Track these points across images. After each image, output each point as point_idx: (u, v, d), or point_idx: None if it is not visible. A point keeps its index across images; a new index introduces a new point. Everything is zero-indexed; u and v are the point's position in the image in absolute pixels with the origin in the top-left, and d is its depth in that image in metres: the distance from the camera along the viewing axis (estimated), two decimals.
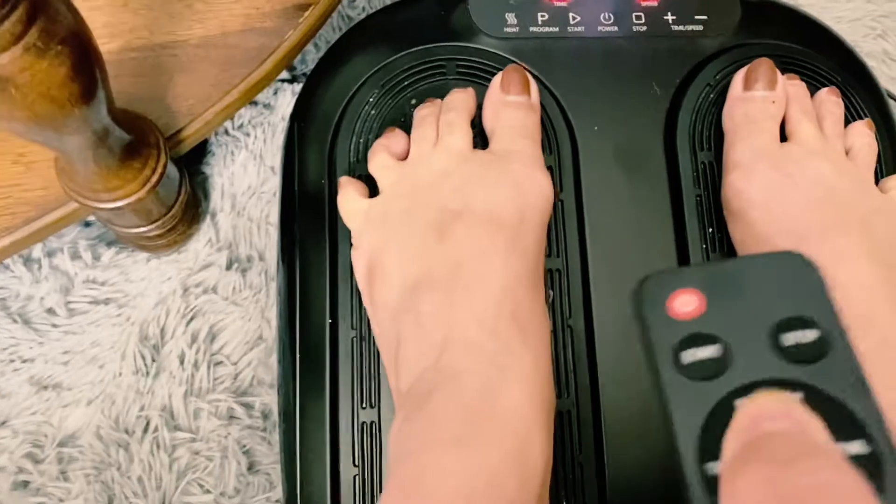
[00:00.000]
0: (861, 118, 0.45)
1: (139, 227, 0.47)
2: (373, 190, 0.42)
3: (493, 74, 0.44)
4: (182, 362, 0.49)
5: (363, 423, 0.40)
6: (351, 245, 0.42)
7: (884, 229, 0.39)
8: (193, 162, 0.53)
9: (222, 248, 0.51)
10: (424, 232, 0.37)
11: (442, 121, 0.41)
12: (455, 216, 0.37)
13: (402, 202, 0.39)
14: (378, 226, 0.39)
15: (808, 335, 0.22)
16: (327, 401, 0.41)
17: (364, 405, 0.40)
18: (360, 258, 0.40)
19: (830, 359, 0.22)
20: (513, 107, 0.41)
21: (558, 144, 0.44)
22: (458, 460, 0.30)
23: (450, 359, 0.33)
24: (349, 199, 0.41)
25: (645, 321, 0.23)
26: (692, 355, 0.22)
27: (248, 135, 0.53)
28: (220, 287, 0.51)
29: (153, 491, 0.47)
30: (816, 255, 0.36)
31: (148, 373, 0.49)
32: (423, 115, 0.42)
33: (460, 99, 0.42)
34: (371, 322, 0.40)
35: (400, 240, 0.38)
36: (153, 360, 0.49)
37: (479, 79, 0.45)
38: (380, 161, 0.41)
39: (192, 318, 0.50)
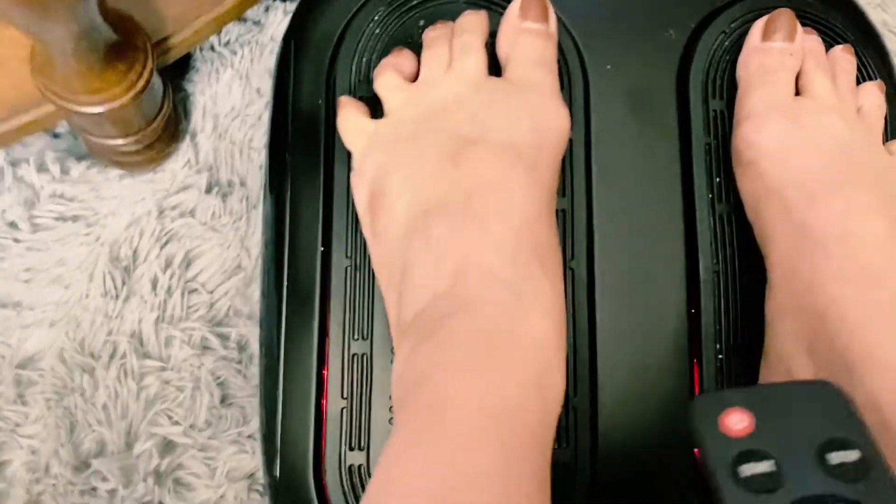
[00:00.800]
0: (870, 80, 0.45)
1: (116, 138, 0.43)
2: (375, 113, 0.40)
3: (505, 1, 0.42)
4: (154, 287, 0.47)
5: (354, 354, 0.39)
6: (349, 169, 0.40)
7: (893, 188, 0.39)
8: (175, 77, 0.49)
9: (202, 170, 0.49)
10: (437, 157, 0.36)
11: (456, 43, 0.39)
12: (471, 143, 0.36)
13: (412, 125, 0.37)
14: (385, 148, 0.37)
15: (851, 455, 0.25)
16: (315, 332, 0.39)
17: (356, 336, 0.39)
18: (363, 182, 0.38)
19: (873, 477, 0.25)
20: (531, 34, 0.39)
21: (570, 81, 0.42)
22: (478, 387, 0.28)
23: (466, 286, 0.32)
24: (351, 119, 0.39)
25: (700, 435, 0.25)
26: (750, 469, 0.24)
27: (234, 53, 0.50)
28: (198, 211, 0.48)
29: (118, 420, 0.45)
30: (827, 208, 0.36)
31: (118, 296, 0.46)
32: (435, 35, 0.40)
33: (475, 21, 0.40)
34: (371, 249, 0.38)
35: (410, 164, 0.36)
36: (123, 283, 0.46)
37: (492, 3, 0.43)
38: (388, 80, 0.39)
39: (167, 242, 0.47)
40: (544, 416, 0.30)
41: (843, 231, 0.35)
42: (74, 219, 0.47)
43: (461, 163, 0.35)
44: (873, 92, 0.42)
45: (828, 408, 0.26)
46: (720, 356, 0.40)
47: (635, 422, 0.40)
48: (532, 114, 0.37)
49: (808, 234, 0.35)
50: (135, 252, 0.47)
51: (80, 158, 0.48)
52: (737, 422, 0.25)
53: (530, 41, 0.40)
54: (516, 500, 0.27)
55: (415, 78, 0.40)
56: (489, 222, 0.34)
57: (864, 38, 0.46)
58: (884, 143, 0.42)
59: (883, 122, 0.42)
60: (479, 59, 0.39)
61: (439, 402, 0.28)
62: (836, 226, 0.35)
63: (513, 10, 0.40)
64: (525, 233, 0.34)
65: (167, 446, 0.45)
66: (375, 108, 0.40)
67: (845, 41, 0.45)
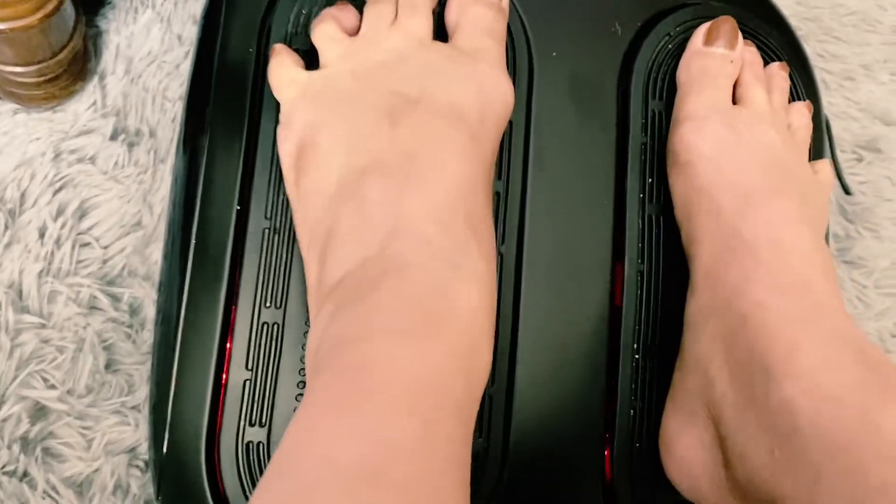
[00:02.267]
0: (799, 100, 0.46)
1: (15, 65, 0.39)
2: (311, 68, 0.37)
3: None
4: (42, 236, 0.42)
5: (264, 323, 0.36)
6: (276, 125, 0.37)
7: (816, 204, 0.39)
8: (89, 11, 0.45)
9: (108, 114, 0.44)
10: (375, 115, 0.34)
11: (402, 2, 0.37)
12: (411, 102, 0.34)
13: (349, 79, 0.35)
14: (317, 102, 0.35)
15: None
16: (221, 299, 0.36)
17: (268, 304, 0.36)
18: (290, 136, 0.35)
19: None
20: (482, 5, 0.38)
21: (515, 63, 0.41)
22: (408, 353, 0.27)
23: (399, 249, 0.30)
24: (284, 67, 0.36)
25: None
26: None
27: None
28: (99, 158, 0.44)
29: None
30: (760, 215, 0.36)
31: None
32: None
33: None
34: (294, 208, 0.35)
35: (344, 120, 0.34)
36: (6, 228, 0.42)
37: None
38: (326, 31, 0.37)
39: (60, 188, 0.43)
40: (470, 390, 0.28)
41: (772, 238, 0.35)
42: None
43: (400, 122, 0.34)
44: (803, 112, 0.43)
45: None
46: (637, 356, 0.39)
47: (549, 414, 0.39)
48: (478, 81, 0.36)
49: (738, 238, 0.35)
50: (23, 195, 0.43)
51: None
52: None
53: (481, 11, 0.38)
54: (437, 475, 0.25)
55: (355, 33, 0.38)
56: (426, 186, 0.32)
57: (796, 61, 0.48)
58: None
59: (809, 141, 0.43)
60: (426, 20, 0.37)
61: (364, 366, 0.26)
62: (766, 233, 0.35)
63: None
64: (461, 202, 0.33)
65: (39, 411, 0.40)
66: (311, 63, 0.38)
67: (779, 60, 0.46)
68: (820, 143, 0.47)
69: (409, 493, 0.23)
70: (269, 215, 0.37)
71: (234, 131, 0.38)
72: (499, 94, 0.37)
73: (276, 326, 0.36)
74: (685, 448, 0.36)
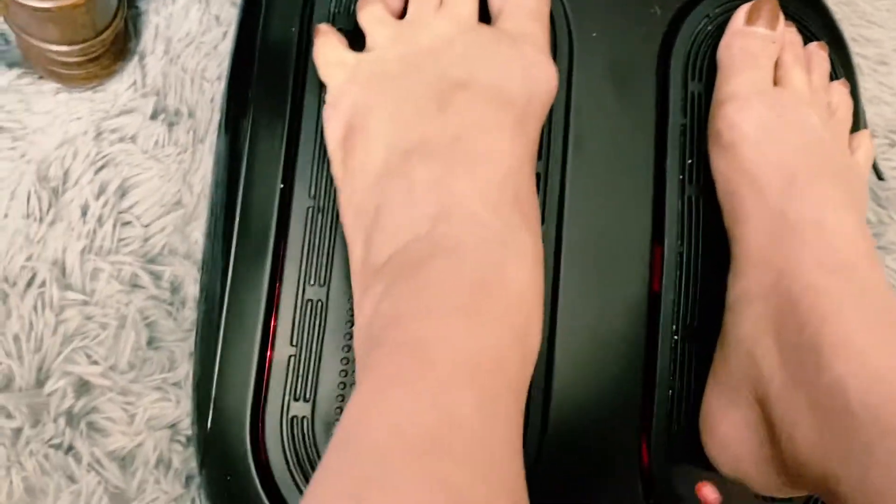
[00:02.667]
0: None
1: (59, 44, 0.40)
2: (355, 48, 0.38)
3: None
4: (85, 214, 0.43)
5: (309, 300, 0.36)
6: (320, 104, 0.37)
7: (856, 186, 0.39)
8: None
9: (148, 94, 0.45)
10: (423, 98, 0.34)
11: None
12: (459, 86, 0.34)
13: (398, 63, 0.35)
14: (366, 84, 0.35)
15: None
16: (266, 278, 0.37)
17: (312, 282, 0.36)
18: (338, 116, 0.35)
19: None
20: None
21: (556, 44, 0.41)
22: (464, 331, 0.27)
23: (448, 229, 0.30)
24: (331, 49, 0.37)
25: None
26: None
27: None
28: (140, 137, 0.44)
29: (30, 353, 0.41)
30: (804, 198, 0.36)
31: (42, 219, 0.42)
32: None
33: None
34: (339, 188, 0.36)
35: (392, 102, 0.34)
36: (50, 206, 0.42)
37: None
38: (373, 13, 0.37)
39: (102, 167, 0.44)
40: (522, 368, 0.29)
41: (817, 220, 0.35)
42: None
43: (448, 105, 0.34)
44: (842, 91, 0.43)
45: None
46: (675, 337, 0.40)
47: (587, 396, 0.39)
48: (523, 64, 0.36)
49: (783, 219, 0.35)
50: (66, 174, 0.43)
51: (11, 65, 0.44)
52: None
53: None
54: (495, 446, 0.25)
55: (401, 15, 0.38)
56: (474, 167, 0.32)
57: (833, 42, 0.47)
58: None
59: (850, 119, 0.43)
60: (472, 4, 0.37)
61: (421, 341, 0.27)
62: (811, 214, 0.35)
63: None
64: (509, 182, 0.33)
65: (83, 387, 0.41)
66: (355, 43, 0.38)
67: (818, 40, 0.46)
68: (857, 118, 0.47)
69: (474, 464, 0.24)
70: (313, 194, 0.37)
71: (277, 112, 0.39)
72: (544, 77, 0.37)
73: (319, 303, 0.36)
74: (729, 427, 0.36)
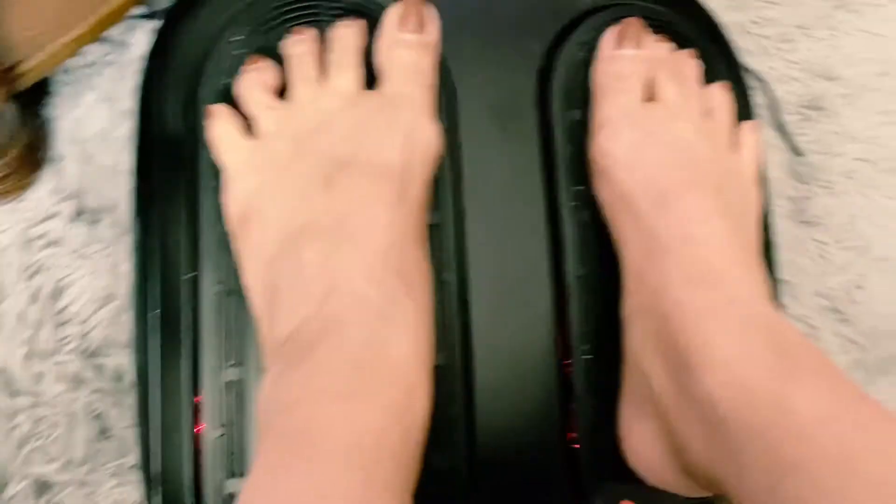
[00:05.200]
0: (719, 80, 0.47)
1: None
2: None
3: (372, 19, 0.43)
4: (22, 321, 0.45)
5: (229, 382, 0.38)
6: (217, 192, 0.40)
7: (735, 191, 0.41)
8: (35, 102, 0.48)
9: (69, 196, 0.47)
10: (310, 179, 0.36)
11: (330, 59, 0.39)
12: (342, 165, 0.36)
13: (286, 145, 0.38)
14: (258, 168, 0.37)
15: None
16: (189, 359, 0.39)
17: (230, 363, 0.39)
18: (234, 201, 0.38)
19: None
20: (407, 46, 0.40)
21: (438, 96, 0.43)
22: (344, 413, 0.29)
23: (334, 308, 0.32)
24: (225, 133, 0.39)
25: None
26: None
27: (98, 74, 0.49)
28: (66, 239, 0.46)
29: None
30: (672, 213, 0.38)
31: None
32: (301, 52, 0.40)
33: (348, 35, 0.40)
34: (242, 269, 0.38)
35: (282, 186, 0.36)
36: None
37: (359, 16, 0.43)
38: (259, 98, 0.39)
39: (34, 273, 0.46)
40: (407, 436, 0.31)
41: (685, 235, 0.37)
42: None
43: (332, 184, 0.36)
44: (719, 93, 0.44)
45: None
46: (587, 356, 0.41)
47: (511, 424, 0.41)
48: (403, 129, 0.38)
49: (655, 239, 0.37)
50: None
51: None
52: None
53: (406, 53, 0.40)
54: None
55: (280, 88, 0.40)
56: (357, 244, 0.34)
57: (712, 40, 0.49)
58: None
59: (729, 119, 0.44)
60: (353, 76, 0.39)
61: (306, 428, 0.29)
62: (678, 230, 0.37)
63: (390, 20, 0.40)
64: (392, 254, 0.35)
65: (43, 485, 0.43)
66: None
67: (694, 44, 0.47)
68: (746, 110, 0.49)
69: None
70: (220, 279, 0.39)
71: (180, 201, 0.41)
72: (424, 138, 0.38)
73: (240, 383, 0.38)
74: (639, 439, 0.38)
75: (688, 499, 0.40)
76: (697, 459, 0.33)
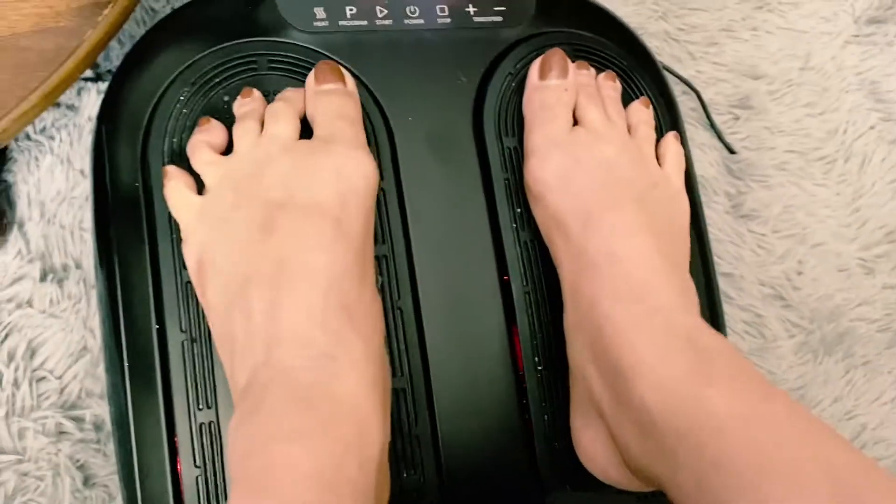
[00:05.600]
0: (647, 97, 0.50)
1: None
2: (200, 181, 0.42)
3: (307, 69, 0.45)
4: (0, 382, 0.47)
5: (201, 423, 0.40)
6: (173, 244, 0.42)
7: (658, 201, 0.43)
8: None
9: (34, 258, 0.49)
10: (251, 227, 0.38)
11: (267, 111, 0.42)
12: (279, 208, 0.38)
13: (231, 197, 0.39)
14: (208, 224, 0.39)
15: None
16: (161, 405, 0.41)
17: (201, 406, 0.41)
18: (191, 254, 0.40)
19: None
20: (329, 94, 0.42)
21: (375, 135, 0.45)
22: (303, 452, 0.31)
23: (281, 354, 0.34)
24: (178, 192, 0.41)
25: None
26: None
27: (52, 138, 0.51)
28: (35, 300, 0.48)
29: None
30: (597, 232, 0.40)
31: None
32: (245, 110, 0.42)
33: (289, 94, 0.43)
34: (207, 318, 0.40)
35: (228, 236, 0.38)
36: None
37: (293, 74, 0.45)
38: (202, 156, 0.41)
39: (6, 336, 0.48)
40: (364, 467, 0.32)
41: (609, 252, 0.39)
42: None
43: (272, 230, 0.38)
44: (638, 109, 0.47)
45: None
46: (539, 367, 0.44)
47: (474, 439, 0.43)
48: (335, 166, 0.39)
49: (585, 257, 0.40)
50: None
51: None
52: None
53: (328, 99, 0.42)
54: None
55: (227, 146, 0.42)
56: (298, 287, 0.36)
57: (637, 60, 0.52)
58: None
59: (652, 134, 0.47)
60: (289, 124, 0.41)
61: (265, 471, 0.31)
62: (604, 248, 0.39)
63: (310, 79, 0.43)
64: (333, 292, 0.36)
65: None
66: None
67: (620, 66, 0.50)
68: (674, 120, 0.52)
69: None
70: (183, 328, 0.41)
71: (139, 255, 0.42)
72: (357, 171, 0.40)
73: (211, 424, 0.41)
74: (589, 442, 0.41)
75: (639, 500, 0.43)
76: (637, 459, 0.36)
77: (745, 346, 0.60)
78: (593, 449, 0.40)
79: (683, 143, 0.51)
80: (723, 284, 0.61)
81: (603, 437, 0.39)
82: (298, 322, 0.35)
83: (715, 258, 0.61)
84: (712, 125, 0.64)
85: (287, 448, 0.31)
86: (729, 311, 0.60)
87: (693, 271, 0.49)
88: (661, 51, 0.66)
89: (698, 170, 0.63)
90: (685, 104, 0.64)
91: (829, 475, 0.29)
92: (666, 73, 0.60)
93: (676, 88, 0.64)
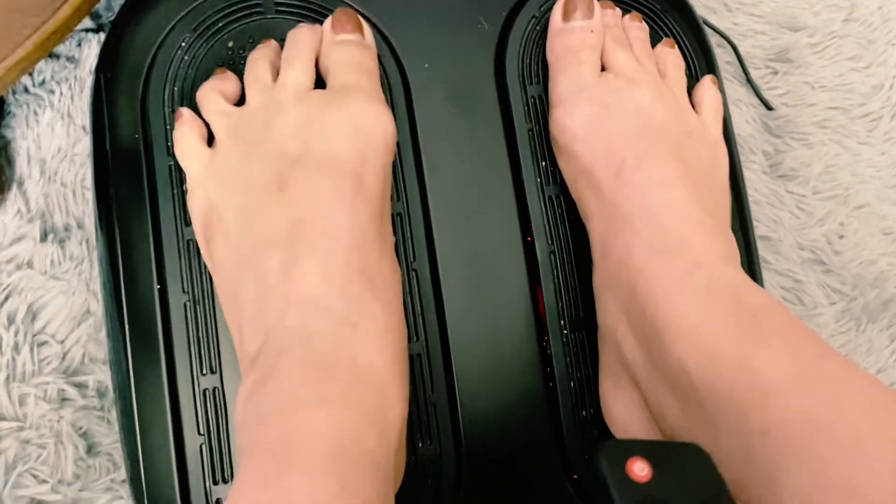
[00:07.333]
0: (681, 41, 0.47)
1: None
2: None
3: (316, 13, 0.42)
4: (0, 347, 0.45)
5: (205, 389, 0.38)
6: (175, 200, 0.39)
7: (696, 151, 0.40)
8: None
9: (34, 218, 0.47)
10: (264, 182, 0.35)
11: (283, 56, 0.39)
12: (294, 162, 0.36)
13: (241, 149, 0.37)
14: (217, 177, 0.37)
15: None
16: (164, 370, 0.39)
17: (204, 371, 0.38)
18: (197, 208, 0.37)
19: None
20: (344, 44, 0.39)
21: (390, 85, 0.42)
22: (321, 419, 0.29)
23: (299, 319, 0.32)
24: (189, 140, 0.38)
25: (608, 480, 0.28)
26: None
27: (52, 92, 0.48)
28: (35, 261, 0.46)
29: None
30: (631, 184, 0.37)
31: None
32: (256, 56, 0.40)
33: (304, 34, 0.40)
34: (213, 277, 0.38)
35: (240, 191, 0.36)
36: None
37: (301, 18, 0.42)
38: (213, 105, 0.38)
39: (6, 298, 0.46)
40: (382, 441, 0.30)
41: (644, 204, 0.36)
42: None
43: (287, 186, 0.35)
44: (667, 52, 0.44)
45: (703, 469, 0.29)
46: (565, 331, 0.41)
47: (495, 407, 0.41)
48: (352, 119, 0.37)
49: (617, 210, 0.37)
50: None
51: None
52: (640, 469, 0.28)
53: (345, 49, 0.40)
54: None
55: (238, 100, 0.39)
56: (317, 249, 0.34)
57: (669, 3, 0.49)
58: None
59: (683, 76, 0.44)
60: (302, 71, 0.39)
61: (281, 438, 0.28)
62: (638, 200, 0.36)
63: (326, 27, 0.40)
64: (354, 256, 0.34)
65: None
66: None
67: (653, 8, 0.47)
68: (710, 64, 0.48)
69: None
70: (185, 289, 0.39)
71: (140, 213, 0.40)
72: (376, 125, 0.37)
73: (216, 391, 0.38)
74: (621, 409, 0.38)
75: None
76: (674, 426, 0.33)
77: None
78: (625, 416, 0.37)
79: (721, 91, 0.48)
80: (760, 248, 0.57)
81: (636, 402, 0.37)
82: (316, 286, 0.33)
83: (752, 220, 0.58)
84: (749, 80, 0.60)
85: (307, 415, 0.29)
86: (766, 277, 0.57)
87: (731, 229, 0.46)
88: (696, 1, 0.62)
89: (734, 127, 0.59)
90: (720, 58, 0.60)
91: (894, 444, 0.26)
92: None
93: (710, 41, 0.60)
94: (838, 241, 0.59)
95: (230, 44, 0.42)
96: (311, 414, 0.29)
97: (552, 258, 0.42)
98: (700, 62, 0.47)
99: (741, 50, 0.61)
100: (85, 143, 0.48)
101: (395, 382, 0.32)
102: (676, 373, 0.32)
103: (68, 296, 0.46)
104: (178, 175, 0.40)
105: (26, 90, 0.48)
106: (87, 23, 0.49)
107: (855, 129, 0.61)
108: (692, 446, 0.30)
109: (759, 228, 0.58)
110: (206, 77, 0.41)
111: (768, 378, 0.29)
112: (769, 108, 0.60)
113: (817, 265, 0.58)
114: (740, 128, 0.60)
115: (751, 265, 0.47)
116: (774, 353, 0.30)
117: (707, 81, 0.44)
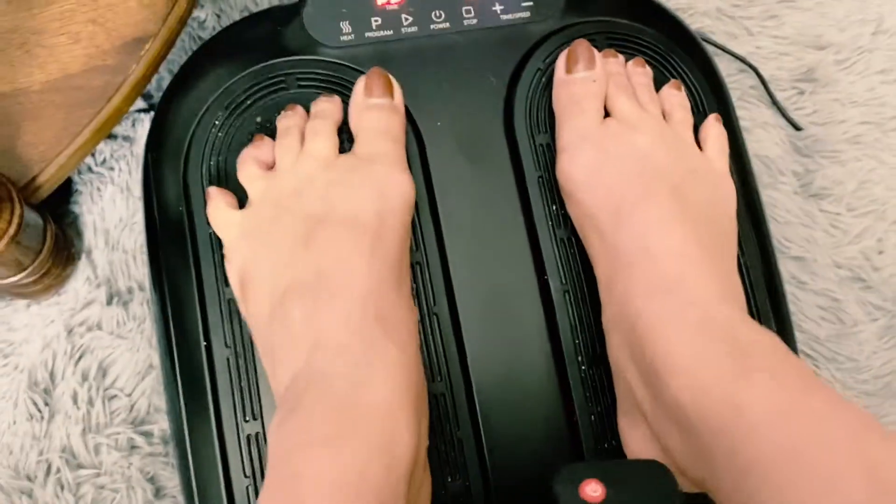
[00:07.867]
0: (686, 81, 0.48)
1: (10, 277, 0.47)
2: (244, 200, 0.43)
3: (335, 84, 0.46)
4: (76, 401, 0.50)
5: (248, 435, 0.42)
6: (215, 263, 0.43)
7: (698, 189, 0.41)
8: (61, 203, 0.53)
9: (101, 283, 0.52)
10: (292, 240, 0.39)
11: (307, 128, 0.43)
12: (319, 222, 0.39)
13: (271, 211, 0.41)
14: (249, 238, 0.41)
15: None
16: (212, 418, 0.43)
17: (247, 418, 0.42)
18: (233, 271, 0.41)
19: None
20: (375, 109, 0.43)
21: (406, 144, 0.45)
22: (329, 458, 0.31)
23: (319, 361, 0.35)
24: (220, 211, 0.42)
25: (563, 499, 0.30)
26: None
27: (111, 169, 0.54)
28: (103, 322, 0.51)
29: None
30: (629, 225, 0.39)
31: (42, 417, 0.50)
32: (287, 125, 0.44)
33: (326, 107, 0.44)
34: (251, 331, 0.41)
35: (270, 250, 0.40)
36: (46, 404, 0.50)
37: (320, 90, 0.46)
38: (248, 172, 0.43)
39: (80, 357, 0.51)
40: (390, 471, 0.32)
41: (641, 246, 0.38)
42: None
43: (311, 243, 0.39)
44: (671, 93, 0.45)
45: (659, 484, 0.31)
46: (583, 367, 0.43)
47: (520, 442, 0.43)
48: (375, 184, 0.40)
49: (617, 252, 0.39)
50: (51, 373, 0.50)
51: None
52: (593, 490, 0.30)
53: (374, 115, 0.43)
54: None
55: (274, 164, 0.43)
56: (336, 297, 0.37)
57: (677, 40, 0.50)
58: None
59: (688, 117, 0.45)
60: (328, 140, 0.42)
61: (295, 476, 0.31)
62: (637, 241, 0.38)
63: (358, 89, 0.44)
64: (370, 301, 0.37)
65: None
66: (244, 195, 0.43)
67: (657, 51, 0.49)
68: (721, 98, 0.49)
69: None
70: (228, 344, 0.43)
71: (186, 277, 0.44)
72: (397, 191, 0.41)
73: (258, 436, 0.42)
74: (636, 443, 0.39)
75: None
76: (679, 462, 0.35)
77: (822, 332, 0.57)
78: (641, 449, 0.39)
79: (732, 124, 0.49)
80: (794, 269, 0.57)
81: (648, 437, 0.38)
82: (336, 330, 0.36)
83: (784, 242, 0.58)
84: (774, 102, 0.61)
85: (315, 454, 0.32)
86: (802, 297, 0.57)
87: (751, 260, 0.47)
88: (715, 29, 0.63)
89: (762, 150, 0.60)
90: (743, 82, 0.61)
91: (868, 473, 0.27)
92: (716, 52, 0.58)
93: (733, 66, 0.61)
94: (877, 257, 0.58)
95: (258, 118, 0.46)
96: (319, 452, 0.32)
97: (566, 297, 0.44)
98: (709, 98, 0.49)
99: (765, 73, 0.61)
100: (141, 213, 0.53)
101: (404, 416, 0.34)
102: (674, 410, 0.34)
103: (133, 352, 0.51)
104: (217, 241, 0.44)
105: (90, 169, 0.54)
106: (139, 104, 0.55)
107: (890, 142, 0.61)
108: (652, 463, 0.32)
109: (793, 249, 0.58)
110: (239, 150, 0.45)
111: (753, 414, 0.30)
112: (797, 128, 0.61)
113: (855, 282, 0.58)
114: (769, 150, 0.60)
115: (773, 290, 0.48)
116: (760, 388, 0.31)
117: (711, 119, 0.45)
